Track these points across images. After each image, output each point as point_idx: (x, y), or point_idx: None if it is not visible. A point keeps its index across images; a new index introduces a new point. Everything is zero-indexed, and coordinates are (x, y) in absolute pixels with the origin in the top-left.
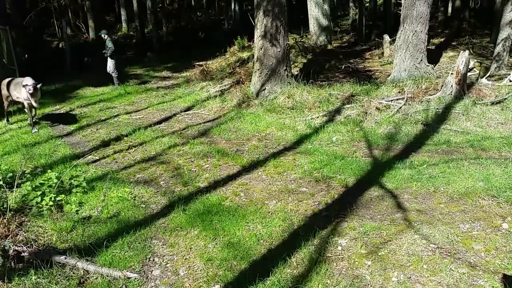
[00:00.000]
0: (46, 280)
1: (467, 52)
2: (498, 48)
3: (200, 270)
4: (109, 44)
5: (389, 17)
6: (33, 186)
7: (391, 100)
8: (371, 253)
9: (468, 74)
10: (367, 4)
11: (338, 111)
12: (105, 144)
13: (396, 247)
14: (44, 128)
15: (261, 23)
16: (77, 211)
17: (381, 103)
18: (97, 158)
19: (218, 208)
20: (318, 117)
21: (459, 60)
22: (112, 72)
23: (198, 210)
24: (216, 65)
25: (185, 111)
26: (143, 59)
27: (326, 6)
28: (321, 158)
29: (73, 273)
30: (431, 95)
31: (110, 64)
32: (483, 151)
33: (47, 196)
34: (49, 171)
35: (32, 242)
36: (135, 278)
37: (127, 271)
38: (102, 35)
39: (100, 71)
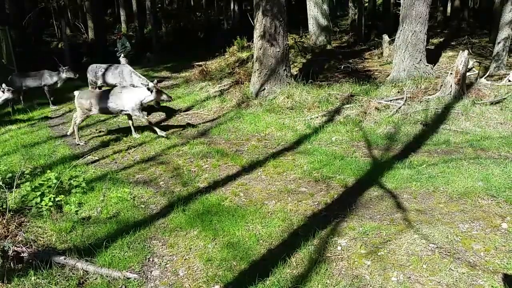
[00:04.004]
0: (46, 281)
1: (466, 52)
2: (498, 48)
3: (200, 270)
4: (126, 43)
5: (389, 17)
6: (33, 187)
7: (391, 100)
8: (371, 253)
9: (467, 74)
10: (366, 4)
11: (337, 111)
12: (105, 144)
13: (395, 247)
14: (43, 129)
15: (260, 23)
16: (76, 211)
17: (380, 103)
18: (96, 158)
19: (218, 208)
20: (317, 117)
21: (458, 60)
22: None
23: (197, 210)
24: (215, 65)
25: (184, 111)
26: (142, 59)
27: (325, 6)
28: (320, 158)
29: (73, 273)
30: (430, 95)
31: (124, 63)
32: (483, 151)
33: (47, 196)
34: (48, 171)
35: (32, 243)
36: (135, 279)
37: (127, 271)
38: (119, 34)
39: None
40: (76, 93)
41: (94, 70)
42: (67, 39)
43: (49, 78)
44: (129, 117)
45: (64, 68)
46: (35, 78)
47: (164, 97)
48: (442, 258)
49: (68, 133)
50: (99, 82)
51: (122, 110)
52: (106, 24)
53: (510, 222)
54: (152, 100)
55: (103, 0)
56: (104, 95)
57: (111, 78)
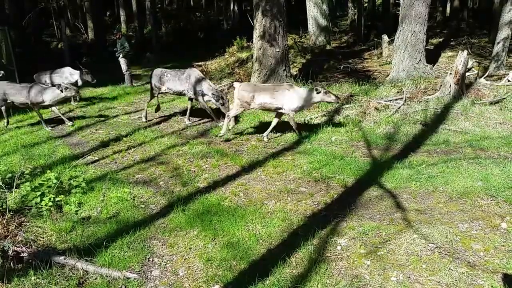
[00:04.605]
0: (46, 281)
1: (465, 52)
2: (497, 48)
3: (200, 270)
4: (125, 43)
5: (388, 17)
6: (32, 187)
7: (390, 100)
8: (370, 253)
9: (467, 74)
10: (366, 4)
11: (337, 111)
12: (104, 144)
13: (395, 247)
14: (43, 129)
15: (260, 23)
16: (76, 211)
17: (380, 103)
18: (96, 158)
19: (218, 208)
20: (317, 117)
21: (458, 60)
22: (126, 72)
23: (197, 210)
24: (215, 65)
25: (184, 111)
26: (142, 59)
27: (325, 6)
28: (320, 158)
29: (73, 273)
30: (429, 95)
31: (123, 64)
32: (482, 150)
33: (47, 196)
34: (48, 171)
35: (32, 243)
36: (135, 279)
37: (127, 271)
38: (119, 34)
39: (99, 72)
40: (236, 84)
41: (159, 75)
42: (67, 39)
43: (70, 76)
44: (279, 115)
45: (84, 70)
46: (57, 75)
47: (332, 98)
48: (442, 258)
49: (221, 134)
50: (164, 88)
51: (279, 108)
52: (106, 24)
53: (509, 222)
54: (318, 102)
55: (103, 0)
56: (269, 90)
57: (178, 85)
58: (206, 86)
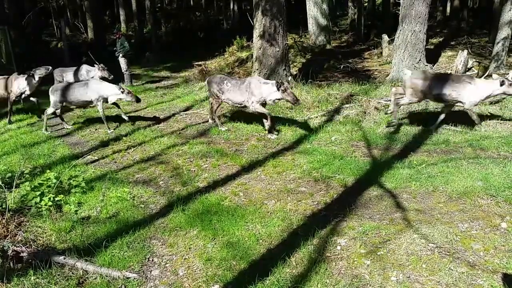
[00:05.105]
0: (45, 281)
1: (465, 51)
2: (497, 48)
3: (199, 270)
4: (125, 43)
5: (388, 17)
6: (32, 187)
7: (390, 100)
8: (370, 253)
9: (467, 73)
10: (366, 4)
11: (337, 111)
12: (104, 144)
13: (395, 247)
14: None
15: (259, 23)
16: (76, 211)
17: (380, 102)
18: (96, 158)
19: (217, 208)
20: (317, 117)
21: (458, 59)
22: (126, 71)
23: (197, 210)
24: (215, 65)
25: (184, 111)
26: (142, 59)
27: (324, 6)
28: (320, 158)
29: (72, 273)
30: None
31: (123, 63)
32: (482, 150)
33: (46, 196)
34: (48, 171)
35: (31, 242)
36: (134, 278)
37: (126, 271)
38: (119, 33)
39: None
40: (408, 71)
41: (218, 82)
42: (66, 39)
43: (86, 74)
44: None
45: (100, 66)
46: (73, 73)
47: None
48: (442, 257)
49: (388, 112)
50: (223, 98)
51: (458, 102)
52: (106, 24)
53: (509, 221)
54: (498, 94)
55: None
56: (443, 80)
57: (238, 95)
58: (268, 89)
